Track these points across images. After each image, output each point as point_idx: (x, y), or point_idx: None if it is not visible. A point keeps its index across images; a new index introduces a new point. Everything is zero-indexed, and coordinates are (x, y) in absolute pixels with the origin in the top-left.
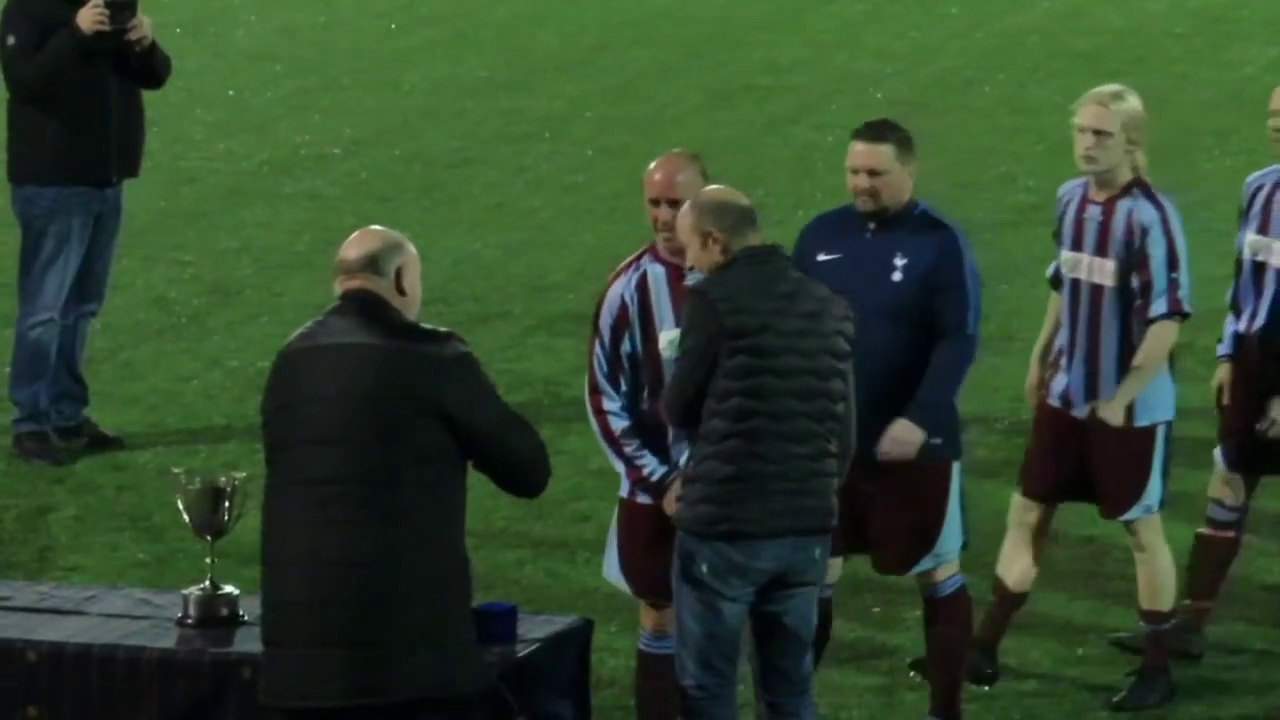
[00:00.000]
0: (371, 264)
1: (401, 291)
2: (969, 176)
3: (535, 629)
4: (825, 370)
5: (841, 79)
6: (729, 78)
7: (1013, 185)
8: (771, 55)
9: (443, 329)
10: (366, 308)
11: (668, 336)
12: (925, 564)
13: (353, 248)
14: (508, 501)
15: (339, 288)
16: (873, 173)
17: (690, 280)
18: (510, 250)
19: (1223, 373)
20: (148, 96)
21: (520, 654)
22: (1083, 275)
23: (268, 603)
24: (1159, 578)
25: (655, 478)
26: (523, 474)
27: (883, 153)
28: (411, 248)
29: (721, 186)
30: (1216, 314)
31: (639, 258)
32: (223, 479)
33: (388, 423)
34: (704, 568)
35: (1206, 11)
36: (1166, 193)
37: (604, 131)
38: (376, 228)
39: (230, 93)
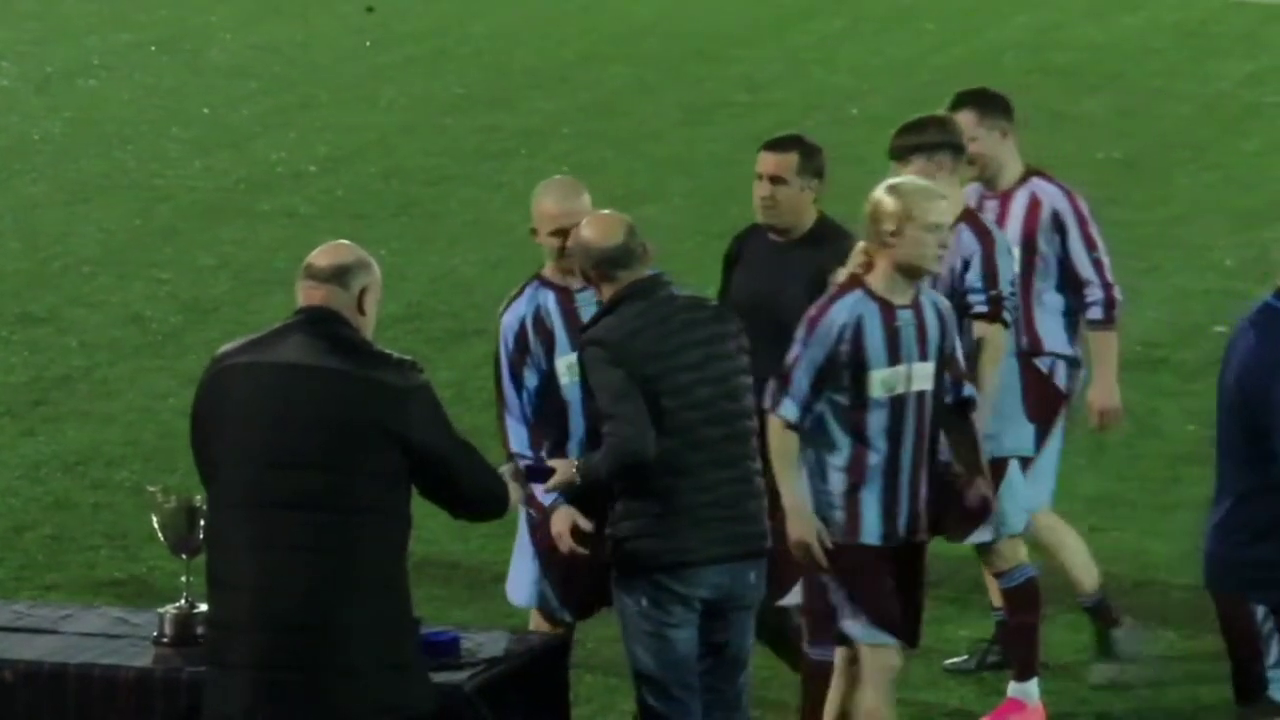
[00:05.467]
0: (339, 276)
1: (361, 311)
2: None
3: (514, 645)
4: (736, 391)
5: (819, 95)
6: (708, 94)
7: None
8: (750, 71)
9: (405, 356)
10: (327, 327)
11: (566, 361)
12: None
13: (323, 257)
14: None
15: (302, 296)
16: None
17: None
18: (488, 266)
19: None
20: (124, 114)
21: (499, 671)
22: None
23: (215, 622)
24: None
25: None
26: (472, 502)
27: None
28: (378, 271)
29: (598, 219)
30: (1192, 330)
31: (525, 287)
32: (198, 498)
33: (345, 448)
34: (644, 601)
35: (1183, 26)
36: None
37: (582, 148)
38: (347, 242)
39: (206, 110)
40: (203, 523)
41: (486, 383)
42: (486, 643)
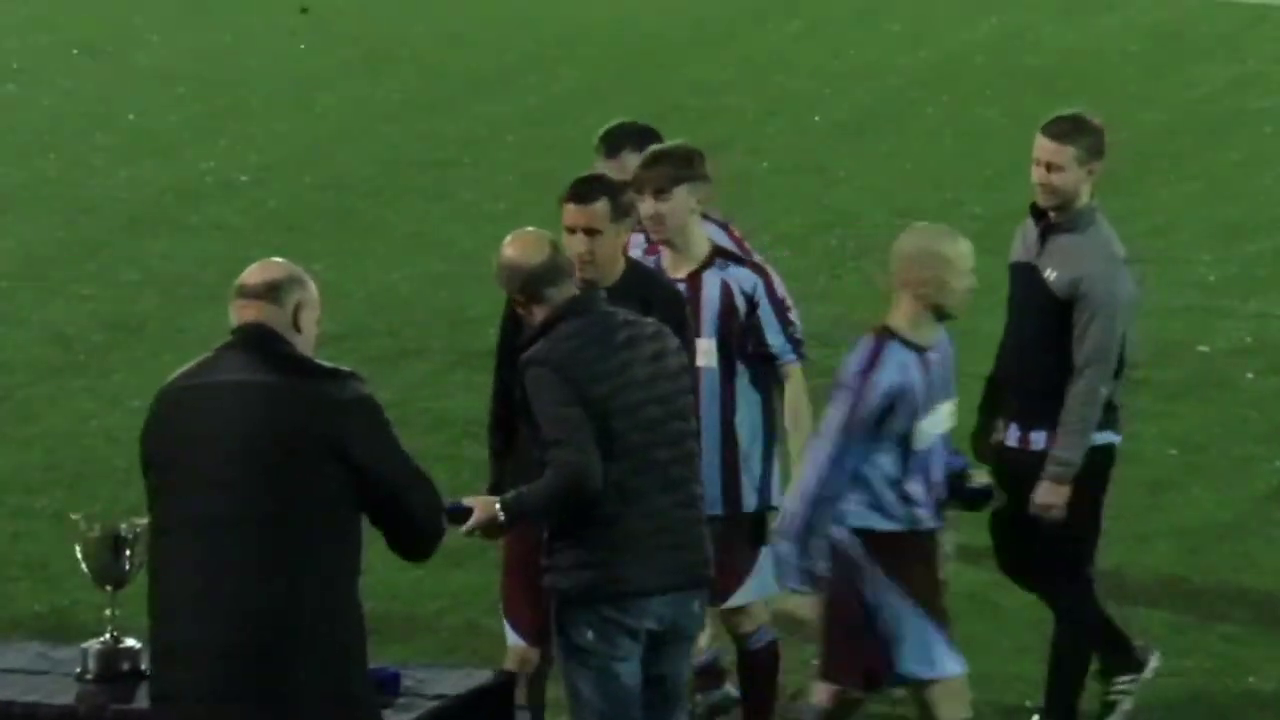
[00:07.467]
0: (271, 292)
1: (297, 328)
2: (911, 203)
3: (457, 683)
4: (684, 410)
5: (777, 101)
6: (659, 99)
7: (959, 211)
8: (703, 76)
9: (343, 367)
10: (262, 343)
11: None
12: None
13: (254, 275)
14: None
15: (235, 315)
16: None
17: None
18: (429, 282)
19: None
20: (45, 121)
21: (441, 708)
22: None
23: (158, 654)
24: None
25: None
26: (413, 533)
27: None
28: (314, 288)
29: (519, 238)
30: (1174, 345)
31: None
32: (124, 526)
33: (284, 464)
34: (589, 635)
35: (1160, 28)
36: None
37: (528, 156)
38: (280, 260)
39: (131, 116)
40: (129, 553)
41: (428, 404)
42: (428, 679)
